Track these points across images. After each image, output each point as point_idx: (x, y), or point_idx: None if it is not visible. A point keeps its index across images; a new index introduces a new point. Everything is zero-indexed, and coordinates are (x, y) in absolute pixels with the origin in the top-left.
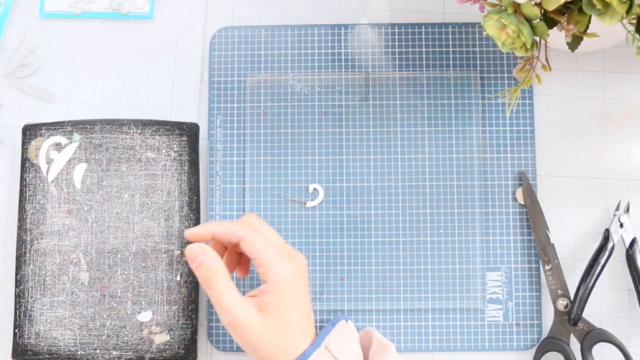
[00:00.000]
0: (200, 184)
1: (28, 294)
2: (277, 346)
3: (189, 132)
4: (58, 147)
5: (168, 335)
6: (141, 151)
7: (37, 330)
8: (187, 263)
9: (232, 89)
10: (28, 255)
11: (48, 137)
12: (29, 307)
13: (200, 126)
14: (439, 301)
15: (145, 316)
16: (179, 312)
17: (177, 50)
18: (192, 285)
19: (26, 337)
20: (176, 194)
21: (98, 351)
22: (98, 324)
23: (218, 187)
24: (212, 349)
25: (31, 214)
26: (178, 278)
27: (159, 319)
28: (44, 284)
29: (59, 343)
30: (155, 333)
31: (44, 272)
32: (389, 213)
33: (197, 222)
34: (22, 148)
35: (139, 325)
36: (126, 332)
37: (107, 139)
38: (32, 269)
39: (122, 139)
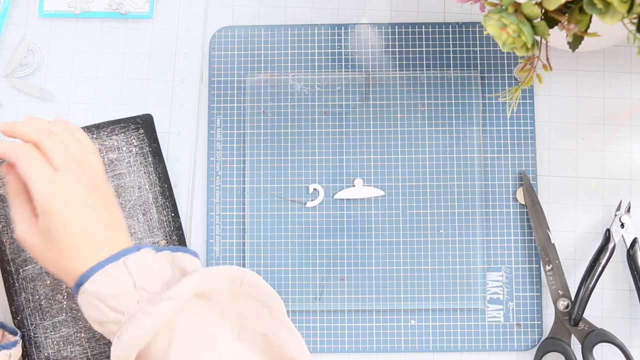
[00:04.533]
0: (168, 172)
1: (28, 322)
2: (58, 267)
3: (144, 124)
4: None
5: None
6: (102, 155)
7: (46, 354)
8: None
9: (232, 89)
10: (17, 284)
11: None
12: (32, 334)
13: (199, 126)
14: (439, 301)
15: None
16: None
17: (177, 50)
18: None
19: None
20: (147, 186)
21: None
22: None
23: (218, 187)
24: None
25: (9, 244)
26: None
27: None
28: (40, 309)
29: None
30: None
31: (37, 297)
32: (389, 213)
33: (174, 209)
34: None
35: None
36: None
37: None
38: (24, 297)
39: None
